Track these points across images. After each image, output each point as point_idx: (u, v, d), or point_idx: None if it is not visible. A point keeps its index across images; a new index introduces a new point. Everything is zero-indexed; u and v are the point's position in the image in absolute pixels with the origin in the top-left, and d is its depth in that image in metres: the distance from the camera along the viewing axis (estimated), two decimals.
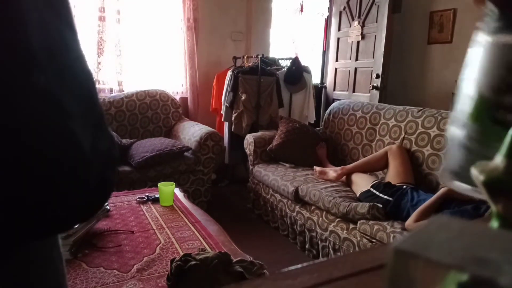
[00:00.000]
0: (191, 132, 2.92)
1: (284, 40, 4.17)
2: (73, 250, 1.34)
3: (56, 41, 0.36)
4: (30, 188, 0.34)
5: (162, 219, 1.71)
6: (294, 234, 2.45)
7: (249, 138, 2.91)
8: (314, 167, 2.56)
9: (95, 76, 3.09)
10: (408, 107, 2.52)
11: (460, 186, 0.30)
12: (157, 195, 1.91)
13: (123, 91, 3.23)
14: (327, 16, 4.21)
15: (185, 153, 2.77)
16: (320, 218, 2.19)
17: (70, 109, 0.36)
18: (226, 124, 3.40)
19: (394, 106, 2.64)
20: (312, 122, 3.61)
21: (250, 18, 3.77)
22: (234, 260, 1.19)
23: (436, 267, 0.17)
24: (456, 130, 0.31)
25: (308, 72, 3.57)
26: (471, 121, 0.30)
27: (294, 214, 2.42)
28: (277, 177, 2.54)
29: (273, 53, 3.96)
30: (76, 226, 1.35)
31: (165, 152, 2.62)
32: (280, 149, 2.77)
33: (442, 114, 2.27)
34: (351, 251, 1.94)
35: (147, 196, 1.96)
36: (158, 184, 1.90)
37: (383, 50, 3.32)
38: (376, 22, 3.42)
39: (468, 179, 0.28)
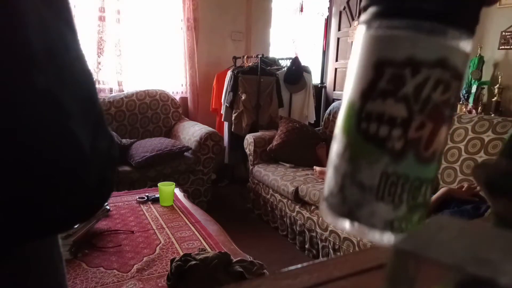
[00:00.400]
0: (191, 132, 2.92)
1: (284, 40, 4.17)
2: (73, 250, 1.34)
3: (56, 41, 0.36)
4: (30, 188, 0.34)
5: (162, 219, 1.71)
6: (293, 234, 2.45)
7: (249, 138, 2.91)
8: (314, 167, 2.56)
9: (95, 76, 3.09)
10: None
11: (327, 216, 0.23)
12: (157, 195, 1.91)
13: (123, 91, 3.23)
14: (327, 16, 4.21)
15: (185, 153, 2.77)
16: (320, 218, 2.19)
17: (69, 109, 0.36)
18: (226, 124, 3.40)
19: None
20: (312, 122, 3.61)
21: (250, 18, 3.77)
22: (234, 260, 1.19)
23: (436, 267, 0.17)
24: (333, 144, 0.23)
25: (308, 72, 3.57)
26: (341, 134, 0.23)
27: (294, 214, 2.42)
28: (277, 177, 2.54)
29: (273, 53, 3.96)
30: (76, 226, 1.35)
31: (165, 152, 2.62)
32: (280, 149, 2.77)
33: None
34: (351, 251, 1.94)
35: (147, 196, 1.96)
36: (158, 184, 1.90)
37: None
38: None
39: (337, 208, 0.22)
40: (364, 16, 0.21)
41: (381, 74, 0.21)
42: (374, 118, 0.21)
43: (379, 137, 0.21)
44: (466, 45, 0.21)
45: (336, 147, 0.23)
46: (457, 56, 0.21)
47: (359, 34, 0.21)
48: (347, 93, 0.22)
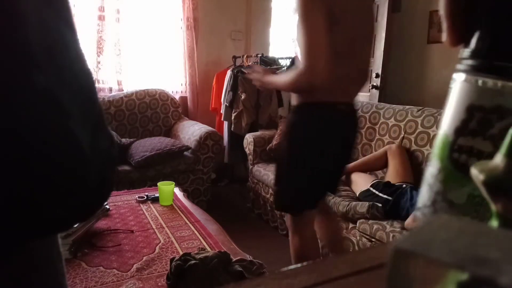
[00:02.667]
0: (191, 131, 2.92)
1: (284, 39, 4.17)
2: (72, 250, 1.34)
3: (56, 41, 0.36)
4: (30, 187, 0.34)
5: (161, 219, 1.71)
6: None
7: (249, 138, 2.91)
8: None
9: (94, 76, 3.08)
10: (407, 107, 2.52)
11: (420, 222, 0.30)
12: (157, 195, 1.91)
13: (123, 90, 3.23)
14: None
15: (185, 153, 2.77)
16: None
17: (69, 109, 0.36)
18: (225, 124, 3.40)
19: (394, 105, 2.64)
20: None
21: (249, 17, 3.77)
22: (234, 259, 1.19)
23: (436, 267, 0.17)
24: (429, 166, 0.31)
25: None
26: (436, 160, 0.30)
27: None
28: None
29: (273, 52, 3.95)
30: (75, 226, 1.35)
31: (165, 152, 2.62)
32: (280, 148, 2.77)
33: (442, 113, 2.27)
34: (350, 250, 1.94)
35: (147, 195, 1.96)
36: (158, 184, 1.90)
37: (382, 49, 3.32)
38: (376, 21, 3.42)
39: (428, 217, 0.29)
40: (462, 66, 0.29)
41: (472, 117, 0.27)
42: (464, 151, 0.26)
43: (468, 166, 0.26)
44: None
45: (431, 169, 0.29)
46: None
47: (458, 80, 0.30)
48: (443, 126, 0.30)
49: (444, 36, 0.46)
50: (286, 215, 1.57)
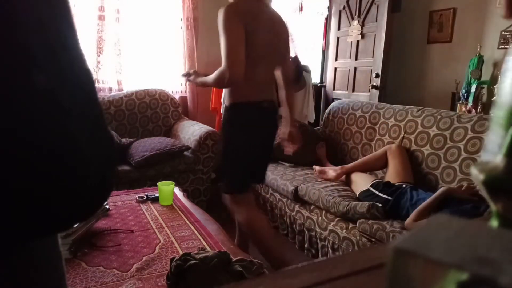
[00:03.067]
0: (191, 131, 2.92)
1: None
2: (72, 249, 1.34)
3: (56, 40, 0.36)
4: (30, 186, 0.34)
5: (161, 219, 1.71)
6: (293, 233, 2.45)
7: None
8: (314, 166, 2.56)
9: (94, 75, 3.08)
10: (407, 107, 2.52)
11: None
12: (157, 195, 1.91)
13: (123, 90, 3.23)
14: (327, 16, 4.21)
15: (185, 152, 2.77)
16: (320, 218, 2.19)
17: (69, 108, 0.36)
18: None
19: (394, 105, 2.64)
20: (312, 121, 3.61)
21: None
22: (234, 259, 1.19)
23: (436, 266, 0.17)
24: (491, 135, 0.33)
25: (308, 71, 3.56)
26: (498, 127, 0.31)
27: (294, 213, 2.42)
28: (276, 177, 2.54)
29: None
30: (75, 225, 1.35)
31: (165, 151, 2.62)
32: (279, 148, 2.77)
33: (442, 113, 2.27)
34: (350, 250, 1.94)
35: (147, 195, 1.96)
36: (158, 184, 1.90)
37: (382, 49, 3.32)
38: (376, 21, 3.42)
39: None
40: None
41: None
42: None
43: None
44: None
45: (493, 137, 0.31)
46: None
47: None
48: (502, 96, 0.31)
49: (502, 9, 0.47)
50: (227, 198, 1.82)
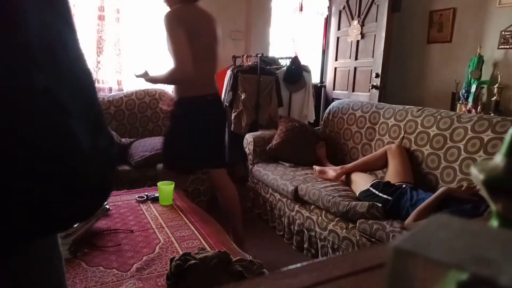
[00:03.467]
0: None
1: (283, 39, 4.17)
2: (72, 249, 1.34)
3: (56, 40, 0.36)
4: (30, 186, 0.34)
5: (161, 218, 1.71)
6: (290, 234, 2.45)
7: (249, 138, 2.91)
8: (314, 166, 2.56)
9: (94, 75, 3.08)
10: (407, 107, 2.52)
11: None
12: (157, 194, 1.91)
13: (123, 90, 3.23)
14: (327, 15, 4.21)
15: None
16: (320, 218, 2.19)
17: (69, 108, 0.36)
18: None
19: (394, 105, 2.64)
20: (312, 121, 3.61)
21: (249, 17, 3.76)
22: (234, 259, 1.19)
23: (436, 266, 0.17)
24: None
25: (308, 71, 3.57)
26: None
27: (293, 213, 2.42)
28: (276, 176, 2.55)
29: (273, 52, 3.95)
30: (75, 225, 1.35)
31: None
32: (279, 148, 2.77)
33: (442, 113, 2.27)
34: (350, 250, 1.94)
35: (147, 195, 1.96)
36: (158, 183, 1.90)
37: (382, 49, 3.32)
38: (376, 21, 3.42)
39: None
40: None
41: None
42: None
43: None
44: None
45: None
46: None
47: None
48: None
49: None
50: (162, 170, 2.16)
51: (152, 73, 2.04)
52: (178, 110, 2.00)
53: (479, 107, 2.98)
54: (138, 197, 1.95)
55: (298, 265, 0.34)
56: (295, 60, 3.46)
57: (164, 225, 1.63)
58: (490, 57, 3.03)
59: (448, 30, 3.34)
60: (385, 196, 1.95)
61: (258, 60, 3.25)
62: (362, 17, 3.59)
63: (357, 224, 1.91)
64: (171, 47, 1.84)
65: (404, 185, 2.00)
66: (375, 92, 3.40)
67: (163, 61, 3.46)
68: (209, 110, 1.99)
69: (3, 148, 0.32)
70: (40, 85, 0.34)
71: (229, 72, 3.29)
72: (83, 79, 0.40)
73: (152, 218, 1.71)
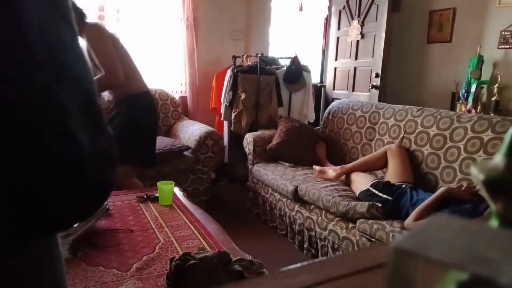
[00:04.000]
0: (191, 131, 2.92)
1: (283, 39, 4.17)
2: (72, 249, 1.34)
3: (55, 40, 0.36)
4: (29, 186, 0.34)
5: (161, 218, 1.71)
6: (292, 233, 2.46)
7: (249, 137, 2.91)
8: (314, 166, 2.56)
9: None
10: (407, 106, 2.52)
11: None
12: (157, 194, 1.91)
13: None
14: (327, 15, 4.21)
15: (185, 152, 2.77)
16: (320, 217, 2.19)
17: (69, 108, 0.36)
18: (225, 123, 3.40)
19: (394, 105, 2.64)
20: (312, 121, 3.61)
21: (249, 17, 3.77)
22: (234, 259, 1.19)
23: (436, 266, 0.17)
24: None
25: (308, 71, 3.57)
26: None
27: (293, 213, 2.42)
28: (276, 176, 2.54)
29: (273, 52, 3.96)
30: (75, 225, 1.35)
31: (165, 151, 2.62)
32: (279, 148, 2.77)
33: (442, 113, 2.27)
34: (350, 250, 1.94)
35: (147, 195, 1.96)
36: (158, 183, 1.90)
37: (382, 49, 3.32)
38: (376, 21, 3.42)
39: None
40: None
41: None
42: None
43: None
44: None
45: None
46: None
47: None
48: None
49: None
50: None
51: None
52: (117, 109, 2.25)
53: (479, 107, 2.98)
54: (138, 197, 1.95)
55: (298, 265, 0.34)
56: (295, 60, 3.46)
57: (164, 225, 1.63)
58: (490, 57, 3.03)
59: (448, 30, 3.34)
60: (385, 196, 1.95)
61: (258, 60, 3.25)
62: (362, 17, 3.59)
63: (357, 224, 1.91)
64: (101, 56, 2.04)
65: (404, 185, 2.00)
66: (375, 92, 3.40)
67: (163, 61, 3.46)
68: (143, 105, 2.26)
69: (2, 148, 0.32)
70: (40, 85, 0.34)
71: (229, 72, 3.29)
72: (83, 79, 0.40)
73: (152, 218, 1.71)
